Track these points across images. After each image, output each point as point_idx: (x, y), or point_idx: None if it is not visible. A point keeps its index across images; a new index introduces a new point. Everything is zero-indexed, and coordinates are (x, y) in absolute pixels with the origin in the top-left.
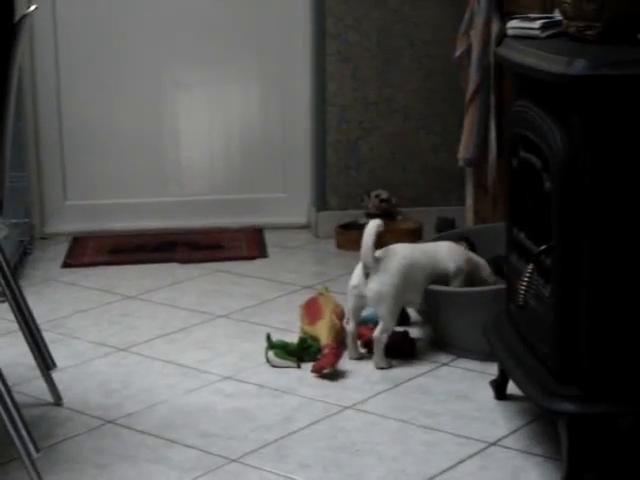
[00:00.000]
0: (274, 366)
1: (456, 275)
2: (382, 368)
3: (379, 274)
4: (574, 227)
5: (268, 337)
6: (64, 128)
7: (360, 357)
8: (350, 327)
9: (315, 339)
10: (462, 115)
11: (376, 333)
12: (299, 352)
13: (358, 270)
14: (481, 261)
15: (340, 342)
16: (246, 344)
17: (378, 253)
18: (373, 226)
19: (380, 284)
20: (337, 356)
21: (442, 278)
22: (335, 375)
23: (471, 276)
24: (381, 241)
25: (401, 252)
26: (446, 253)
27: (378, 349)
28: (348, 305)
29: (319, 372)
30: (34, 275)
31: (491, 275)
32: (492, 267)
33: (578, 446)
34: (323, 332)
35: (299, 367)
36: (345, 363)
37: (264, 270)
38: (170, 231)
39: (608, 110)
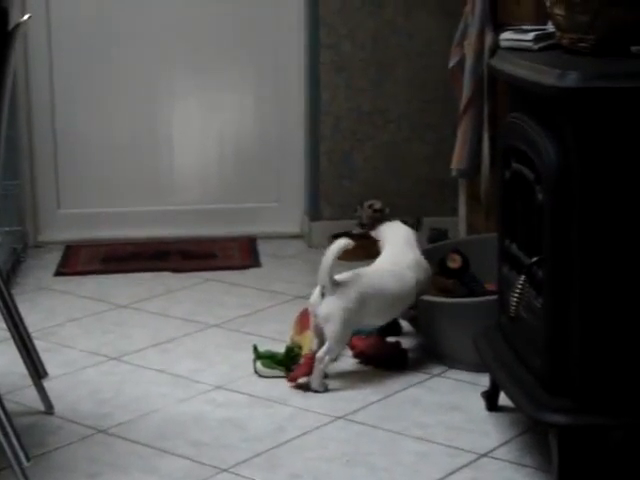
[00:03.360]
0: (262, 376)
1: (424, 282)
2: (317, 391)
3: (334, 297)
4: (566, 239)
5: (255, 348)
6: (58, 136)
7: (323, 388)
8: (315, 346)
9: (301, 348)
10: (456, 126)
11: (319, 353)
12: (287, 362)
13: (317, 289)
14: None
15: None
16: (238, 354)
17: (344, 276)
18: (336, 248)
19: (330, 307)
20: (312, 366)
21: (415, 290)
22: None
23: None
24: (374, 251)
25: (367, 281)
26: (410, 267)
27: (318, 369)
28: (311, 326)
29: (293, 382)
30: (27, 283)
31: (427, 279)
32: (438, 267)
33: (569, 458)
34: (306, 342)
35: (287, 377)
36: (336, 374)
37: (257, 279)
38: (163, 240)
39: (601, 122)
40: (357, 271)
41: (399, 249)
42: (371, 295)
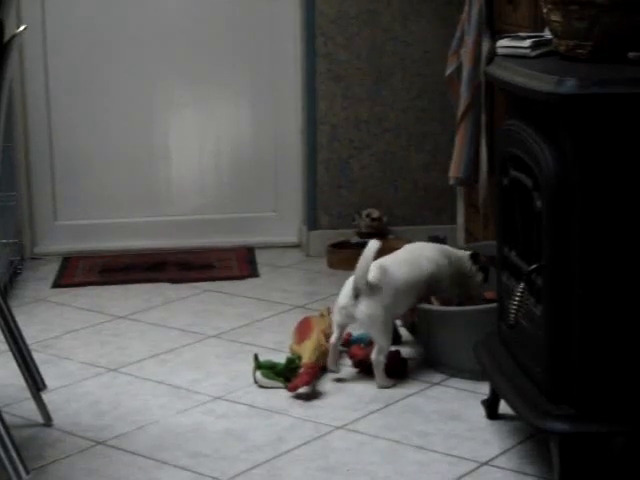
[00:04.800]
0: (261, 386)
1: (440, 277)
2: (386, 387)
3: (369, 297)
4: (565, 246)
5: (256, 357)
6: (54, 148)
7: (336, 372)
8: (333, 339)
9: (301, 359)
10: (453, 134)
11: (373, 355)
12: (287, 372)
13: (347, 290)
14: (464, 254)
15: (324, 363)
16: (237, 364)
17: (370, 276)
18: (373, 249)
19: (371, 307)
20: (312, 376)
21: (429, 283)
22: (313, 395)
23: (459, 272)
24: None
25: (391, 274)
26: (428, 257)
27: (378, 370)
28: (334, 320)
29: (293, 391)
30: (24, 295)
31: (472, 269)
32: (472, 261)
33: (570, 466)
34: (306, 352)
35: (287, 387)
36: (337, 383)
37: (255, 289)
38: (160, 251)
39: (598, 129)
40: (381, 266)
41: (420, 244)
42: (398, 288)
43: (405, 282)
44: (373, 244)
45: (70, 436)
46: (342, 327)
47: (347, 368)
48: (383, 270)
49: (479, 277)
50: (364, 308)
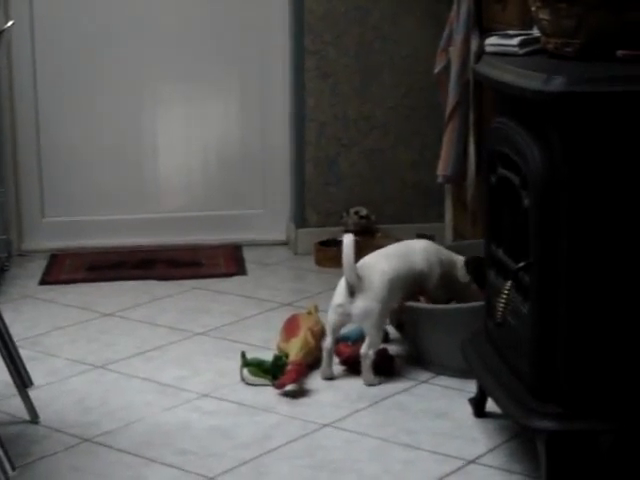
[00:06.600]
0: (248, 384)
1: (429, 274)
2: (372, 385)
3: (364, 291)
4: (552, 244)
5: (243, 355)
6: (42, 145)
7: (331, 377)
8: (327, 343)
9: (288, 356)
10: (441, 132)
11: (363, 349)
12: (274, 370)
13: (342, 288)
14: (458, 259)
15: (311, 360)
16: (224, 362)
17: (359, 270)
18: (349, 244)
19: (367, 301)
20: (299, 373)
21: (418, 279)
22: (300, 392)
23: (448, 275)
24: (360, 258)
25: (381, 267)
26: (419, 253)
27: (366, 365)
28: (329, 322)
29: (281, 389)
30: (11, 292)
31: (465, 275)
32: (466, 268)
33: (557, 464)
34: (293, 349)
35: (274, 385)
36: (324, 380)
37: (243, 287)
38: (148, 248)
39: (586, 127)
40: (368, 261)
41: (410, 240)
42: (390, 280)
43: (396, 274)
44: (347, 238)
45: (57, 433)
46: (336, 329)
47: (334, 366)
48: (371, 265)
49: (474, 286)
50: (360, 303)
